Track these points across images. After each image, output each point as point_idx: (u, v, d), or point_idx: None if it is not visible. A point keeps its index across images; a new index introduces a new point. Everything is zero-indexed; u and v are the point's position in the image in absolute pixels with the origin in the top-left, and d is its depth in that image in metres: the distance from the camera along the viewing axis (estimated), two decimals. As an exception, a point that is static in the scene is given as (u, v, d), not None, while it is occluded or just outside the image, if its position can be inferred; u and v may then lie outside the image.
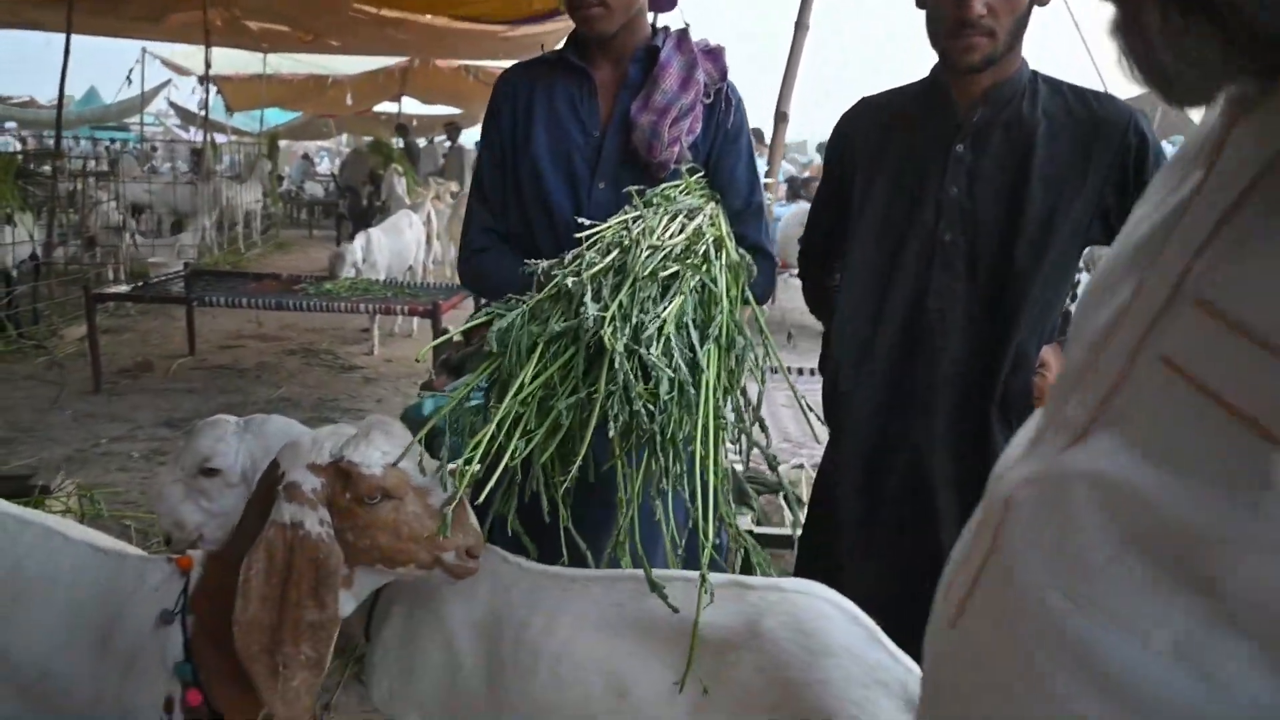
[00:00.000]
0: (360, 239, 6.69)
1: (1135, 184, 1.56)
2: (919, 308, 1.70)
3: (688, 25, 1.92)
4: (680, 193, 1.72)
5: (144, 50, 12.87)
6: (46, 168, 7.26)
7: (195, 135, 15.98)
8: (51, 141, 7.95)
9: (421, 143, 14.09)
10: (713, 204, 1.74)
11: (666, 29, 1.93)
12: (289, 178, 17.09)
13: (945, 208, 1.65)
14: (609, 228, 1.45)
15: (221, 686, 1.35)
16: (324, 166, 21.47)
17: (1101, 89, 1.70)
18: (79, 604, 1.41)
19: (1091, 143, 1.59)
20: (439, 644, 1.39)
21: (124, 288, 5.61)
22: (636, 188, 1.69)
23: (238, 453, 1.69)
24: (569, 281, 1.31)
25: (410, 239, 7.57)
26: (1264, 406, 0.40)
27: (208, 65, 10.24)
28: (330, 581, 1.24)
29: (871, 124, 1.83)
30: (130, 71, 13.02)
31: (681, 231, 1.47)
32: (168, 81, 15.85)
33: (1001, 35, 1.56)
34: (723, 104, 1.87)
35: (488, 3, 7.60)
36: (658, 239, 1.40)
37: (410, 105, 17.11)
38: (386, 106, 17.17)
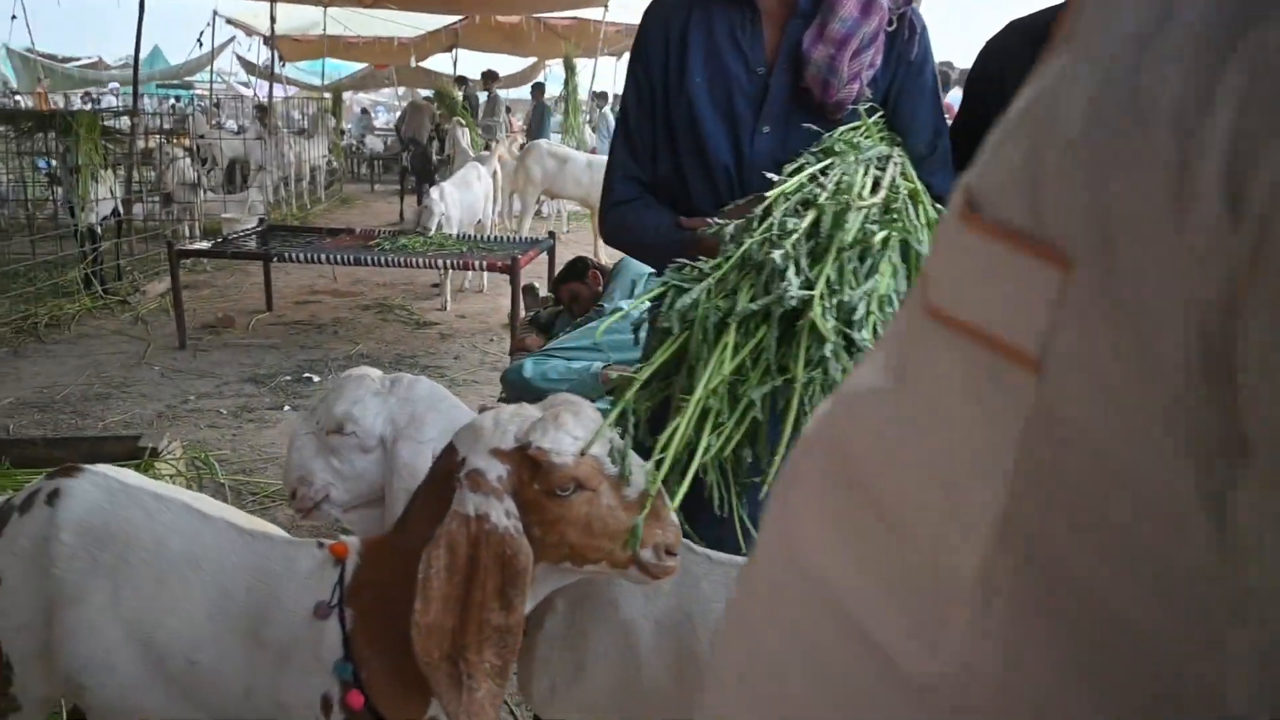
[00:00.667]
0: (435, 193, 6.64)
1: None
2: None
3: None
4: (862, 137, 1.54)
5: (214, 13, 12.93)
6: (125, 123, 7.30)
7: (258, 91, 16.06)
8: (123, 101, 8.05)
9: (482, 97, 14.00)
10: (897, 150, 1.56)
11: None
12: (349, 132, 17.13)
13: None
14: (795, 183, 1.30)
15: (383, 688, 1.24)
16: (380, 120, 21.48)
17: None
18: (225, 589, 1.32)
19: None
20: (614, 640, 1.29)
21: (203, 244, 5.64)
22: (813, 130, 1.52)
23: (377, 415, 1.58)
24: (775, 256, 1.16)
25: (479, 192, 7.50)
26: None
27: (273, 20, 10.23)
28: (519, 581, 1.12)
29: (1023, 57, 1.60)
30: (201, 34, 13.10)
31: (876, 186, 1.30)
32: (232, 39, 15.93)
33: None
34: (906, 31, 1.64)
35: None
36: (856, 195, 1.24)
37: (466, 58, 17.00)
38: (442, 63, 17.07)
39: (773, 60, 1.64)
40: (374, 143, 17.23)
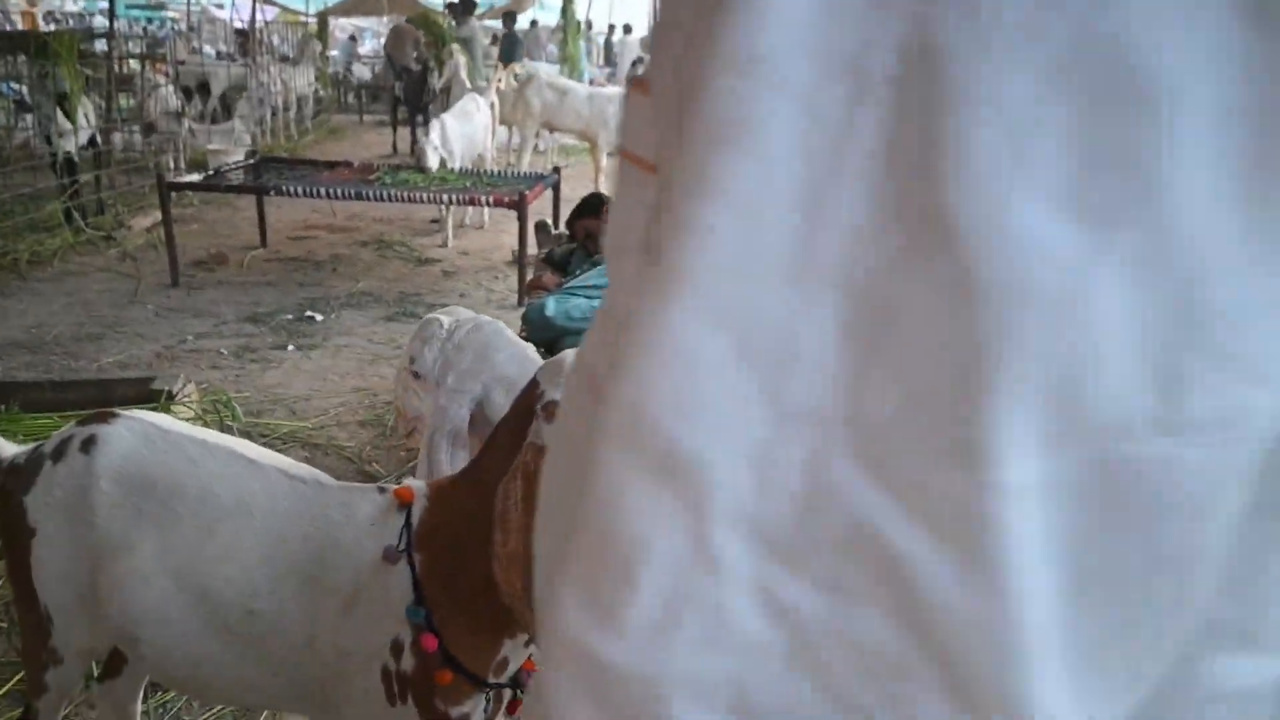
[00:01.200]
0: (435, 126, 6.33)
1: None
2: None
3: None
4: None
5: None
6: (101, 46, 6.90)
7: (237, 14, 15.38)
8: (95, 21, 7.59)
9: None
10: None
11: None
12: (335, 59, 16.54)
13: None
14: None
15: (456, 630, 1.20)
16: (367, 47, 20.79)
17: None
18: (280, 537, 1.27)
19: None
20: None
21: (193, 176, 5.35)
22: None
23: (435, 360, 1.68)
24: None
25: (479, 124, 7.17)
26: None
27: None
28: None
29: None
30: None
31: None
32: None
33: None
34: None
35: None
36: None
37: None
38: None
39: None
40: (361, 70, 16.67)
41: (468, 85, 8.29)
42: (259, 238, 6.30)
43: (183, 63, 10.64)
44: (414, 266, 6.09)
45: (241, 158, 7.72)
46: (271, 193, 5.15)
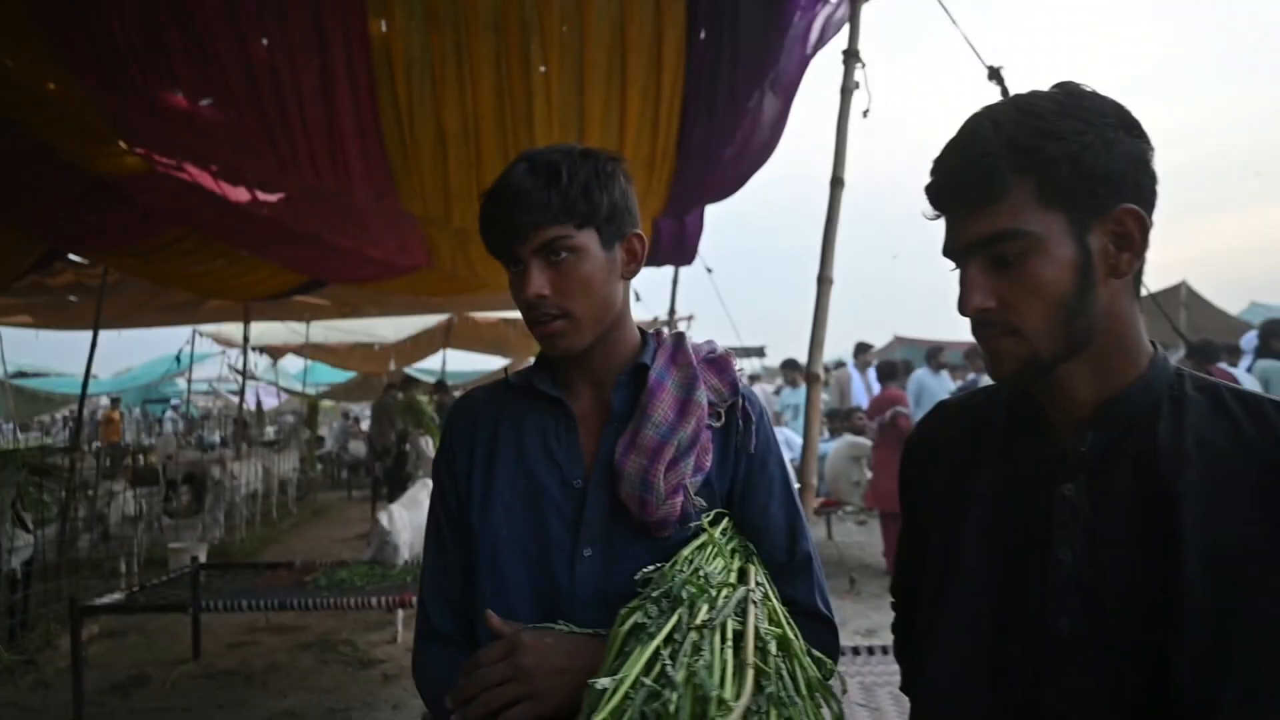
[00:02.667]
0: (383, 516, 6.22)
1: None
2: None
3: (681, 333, 1.51)
4: (709, 559, 1.26)
5: (194, 331, 13.27)
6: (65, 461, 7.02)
7: (259, 395, 16.16)
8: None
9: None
10: (753, 571, 1.28)
11: (658, 333, 1.50)
12: (328, 439, 17.07)
13: (1057, 582, 1.05)
14: (632, 674, 1.00)
15: None
16: (367, 424, 21.62)
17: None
18: None
19: None
20: None
21: (114, 596, 5.11)
22: (651, 570, 1.24)
23: None
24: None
25: (437, 510, 7.07)
26: None
27: (246, 339, 10.36)
28: None
29: (953, 445, 1.24)
30: (179, 352, 13.34)
31: (737, 651, 1.05)
32: (221, 353, 16.28)
33: (1035, 332, 1.03)
34: (739, 423, 1.43)
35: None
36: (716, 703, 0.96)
37: (455, 358, 17.35)
38: (431, 362, 17.40)
39: (590, 473, 1.39)
40: (357, 446, 17.15)
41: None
42: (193, 650, 5.93)
43: (170, 457, 10.91)
44: (353, 671, 5.66)
45: (203, 556, 7.57)
46: (189, 610, 4.88)
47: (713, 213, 6.18)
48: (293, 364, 17.25)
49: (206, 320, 12.14)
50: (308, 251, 5.61)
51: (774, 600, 1.24)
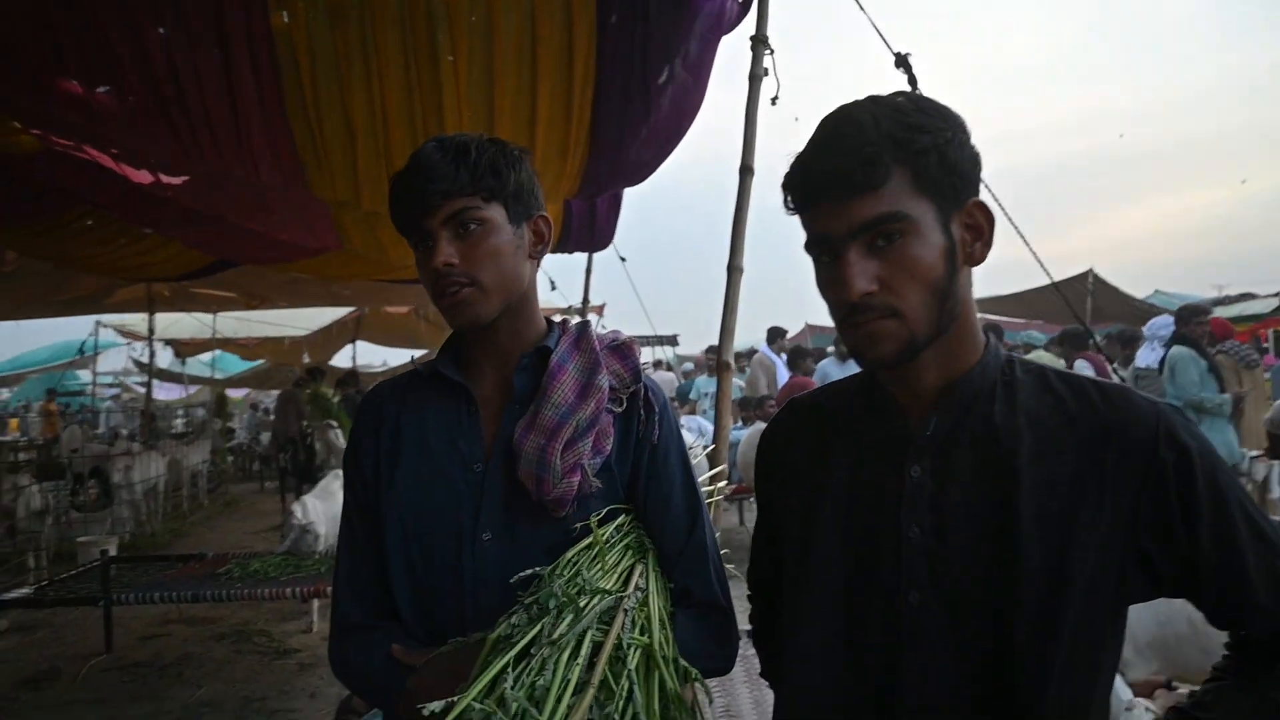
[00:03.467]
0: (297, 508, 6.22)
1: (1184, 520, 1.08)
2: (888, 701, 1.16)
3: (587, 320, 1.59)
4: (590, 562, 1.32)
5: (97, 323, 12.84)
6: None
7: (159, 390, 15.69)
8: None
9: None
10: (640, 572, 1.35)
11: (564, 322, 1.57)
12: (244, 429, 16.72)
13: (907, 557, 1.16)
14: (459, 709, 1.04)
15: None
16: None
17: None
18: None
19: (1102, 460, 1.10)
20: None
21: (23, 591, 5.03)
22: (529, 573, 1.30)
23: None
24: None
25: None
26: None
27: (151, 332, 10.11)
28: None
29: (805, 439, 1.35)
30: (83, 344, 12.89)
31: (591, 666, 1.10)
32: (127, 344, 15.78)
33: (914, 313, 1.10)
34: (640, 412, 1.48)
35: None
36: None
37: (365, 350, 17.11)
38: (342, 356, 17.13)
39: (490, 455, 1.44)
40: (269, 438, 16.82)
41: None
42: (105, 643, 5.86)
43: (75, 450, 10.59)
44: (269, 661, 5.67)
45: (113, 549, 7.42)
46: (99, 604, 4.84)
47: (628, 203, 6.28)
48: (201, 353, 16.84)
49: (110, 311, 11.78)
50: (212, 232, 5.53)
51: (655, 603, 1.29)
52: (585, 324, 1.54)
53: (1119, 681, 2.47)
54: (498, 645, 1.15)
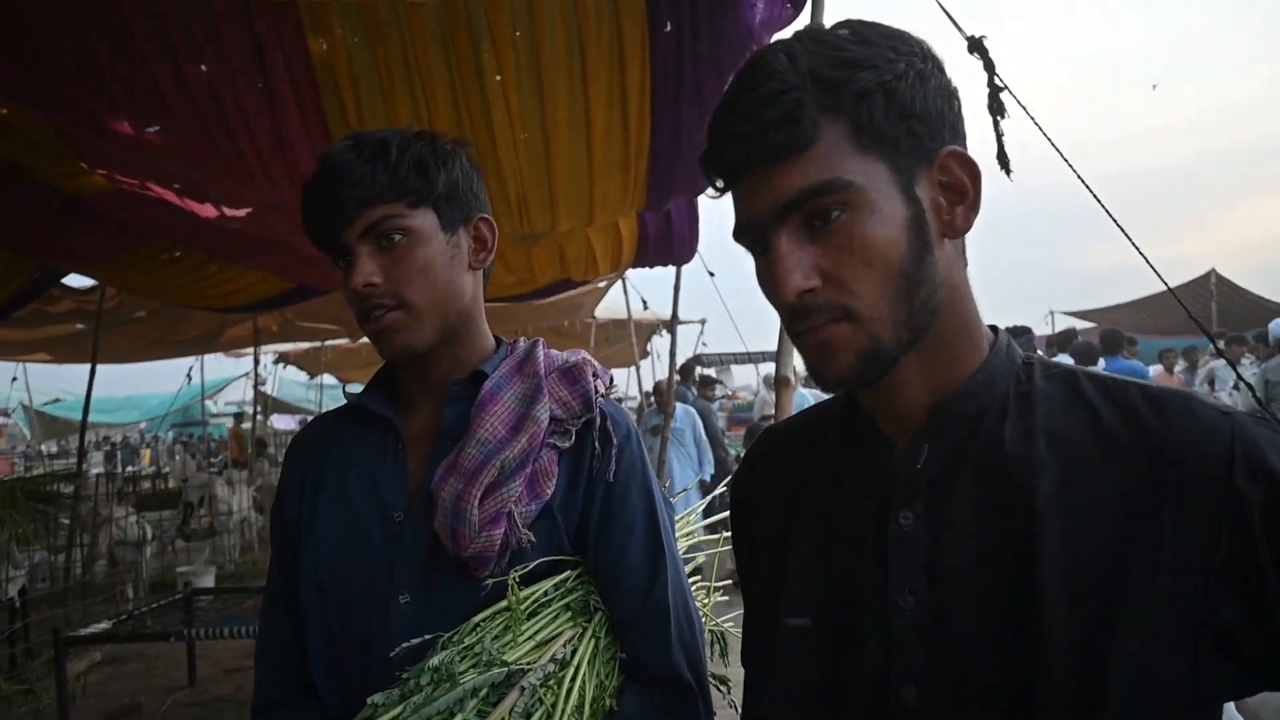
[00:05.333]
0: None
1: (1276, 571, 0.75)
2: None
3: (538, 340, 1.34)
4: (500, 629, 1.09)
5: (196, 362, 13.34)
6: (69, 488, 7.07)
7: (278, 421, 16.27)
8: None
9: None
10: (565, 639, 1.11)
11: (515, 342, 1.33)
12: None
13: (898, 637, 0.86)
14: None
15: None
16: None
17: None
18: None
19: (1156, 498, 0.78)
20: None
21: (102, 625, 5.08)
22: (418, 641, 1.11)
23: None
24: None
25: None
26: None
27: (256, 361, 10.42)
28: None
29: (777, 477, 1.05)
30: (190, 370, 13.47)
31: None
32: (244, 375, 16.42)
33: (871, 311, 0.82)
34: (595, 445, 1.23)
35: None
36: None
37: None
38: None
39: (412, 503, 1.22)
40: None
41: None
42: (188, 677, 5.92)
43: (185, 480, 10.98)
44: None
45: (211, 580, 7.58)
46: (171, 639, 4.84)
47: (716, 216, 6.07)
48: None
49: (221, 350, 12.22)
50: (285, 259, 5.59)
51: (583, 680, 1.07)
52: (535, 343, 1.31)
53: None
54: None
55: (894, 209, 0.82)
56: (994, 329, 0.93)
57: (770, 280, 0.84)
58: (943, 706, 0.82)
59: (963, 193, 0.86)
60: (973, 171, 0.86)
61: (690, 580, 1.68)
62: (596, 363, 1.32)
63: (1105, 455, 0.82)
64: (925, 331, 0.86)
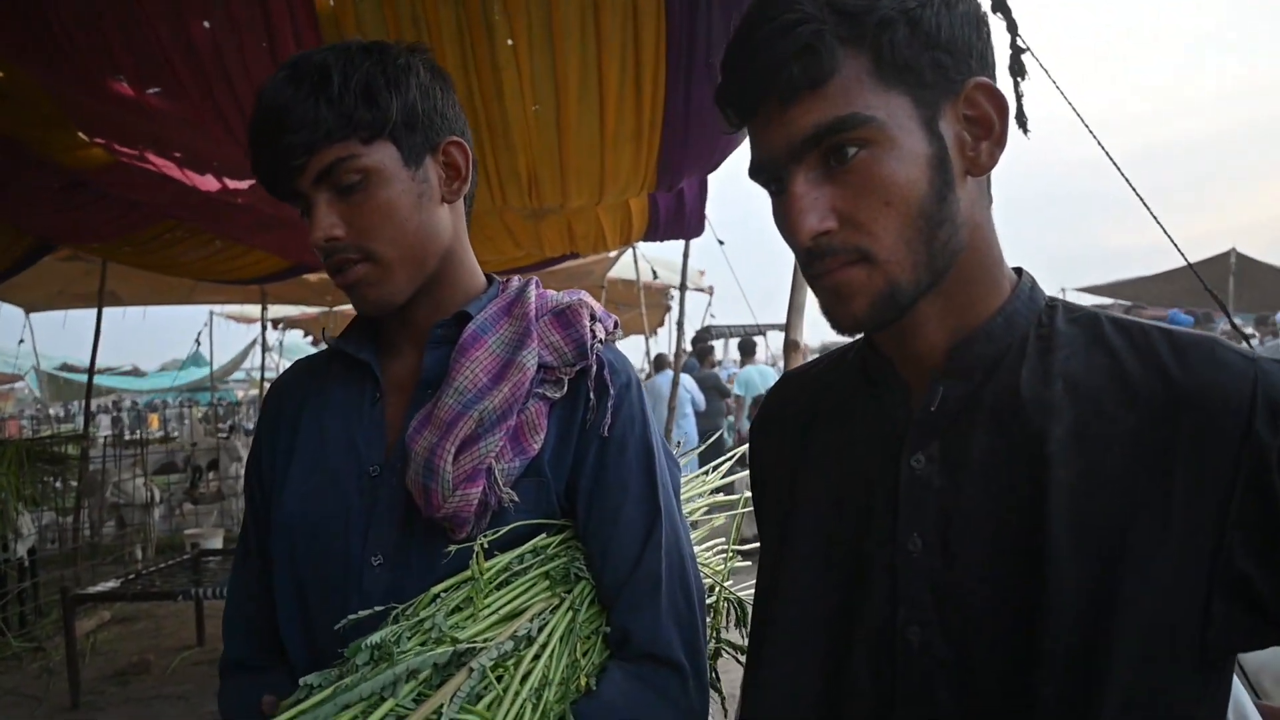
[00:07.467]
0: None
1: None
2: None
3: (531, 279, 1.23)
4: (459, 600, 1.01)
5: (211, 313, 13.31)
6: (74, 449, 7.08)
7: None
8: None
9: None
10: (538, 610, 1.04)
11: (508, 280, 1.22)
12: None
13: (905, 579, 0.84)
14: None
15: None
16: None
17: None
18: None
19: (1171, 443, 0.76)
20: None
21: (109, 584, 5.10)
22: (367, 613, 1.02)
23: None
24: None
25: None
26: None
27: (264, 326, 10.41)
28: None
29: (791, 422, 1.02)
30: (199, 335, 13.45)
31: None
32: (254, 341, 16.38)
33: (890, 254, 0.79)
34: (589, 395, 1.13)
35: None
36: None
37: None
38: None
39: (390, 456, 1.12)
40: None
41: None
42: (197, 636, 5.96)
43: (195, 444, 11.02)
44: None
45: (219, 542, 7.61)
46: (179, 598, 4.87)
47: (731, 181, 5.98)
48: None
49: (229, 301, 12.18)
50: (286, 235, 5.52)
51: (548, 659, 0.98)
52: (527, 283, 1.20)
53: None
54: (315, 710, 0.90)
55: (915, 145, 0.78)
56: (1018, 270, 0.90)
57: (785, 222, 0.81)
58: (947, 650, 0.81)
59: (989, 127, 0.82)
60: (1000, 105, 0.82)
61: (711, 545, 1.60)
62: (597, 304, 1.21)
63: (1121, 399, 0.79)
64: (945, 274, 0.83)
